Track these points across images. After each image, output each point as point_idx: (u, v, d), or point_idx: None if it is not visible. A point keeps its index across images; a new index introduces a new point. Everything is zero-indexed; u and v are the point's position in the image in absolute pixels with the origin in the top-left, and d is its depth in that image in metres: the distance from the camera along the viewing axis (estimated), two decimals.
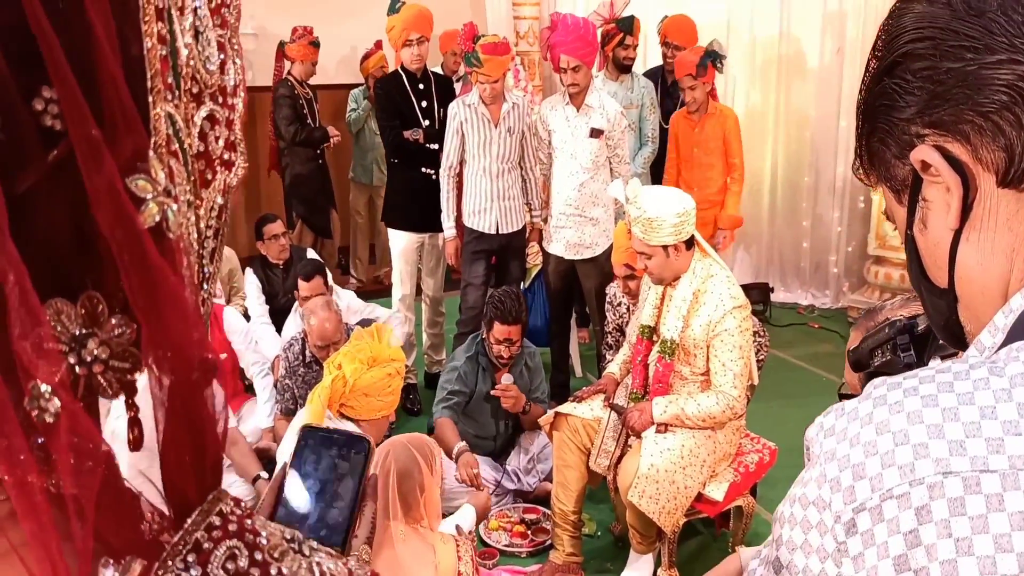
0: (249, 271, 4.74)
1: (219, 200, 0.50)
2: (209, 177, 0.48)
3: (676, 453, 2.81)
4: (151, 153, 0.41)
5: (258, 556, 0.46)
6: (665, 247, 2.84)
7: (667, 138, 4.99)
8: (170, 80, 0.44)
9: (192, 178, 0.46)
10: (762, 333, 3.50)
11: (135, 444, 0.45)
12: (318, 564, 0.50)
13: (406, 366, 4.54)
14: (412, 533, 2.15)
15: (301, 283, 4.06)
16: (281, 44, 5.86)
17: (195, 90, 0.46)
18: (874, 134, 0.68)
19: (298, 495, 0.76)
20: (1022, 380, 0.54)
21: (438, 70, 5.54)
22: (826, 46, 5.94)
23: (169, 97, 0.44)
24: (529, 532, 3.38)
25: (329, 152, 6.13)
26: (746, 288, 5.66)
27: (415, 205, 4.47)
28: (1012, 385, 0.54)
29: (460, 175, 4.33)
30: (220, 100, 0.48)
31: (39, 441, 0.39)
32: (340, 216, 6.50)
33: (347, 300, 4.30)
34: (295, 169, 5.78)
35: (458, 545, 2.16)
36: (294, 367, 3.79)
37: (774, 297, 6.05)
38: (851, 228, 6.00)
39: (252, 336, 4.33)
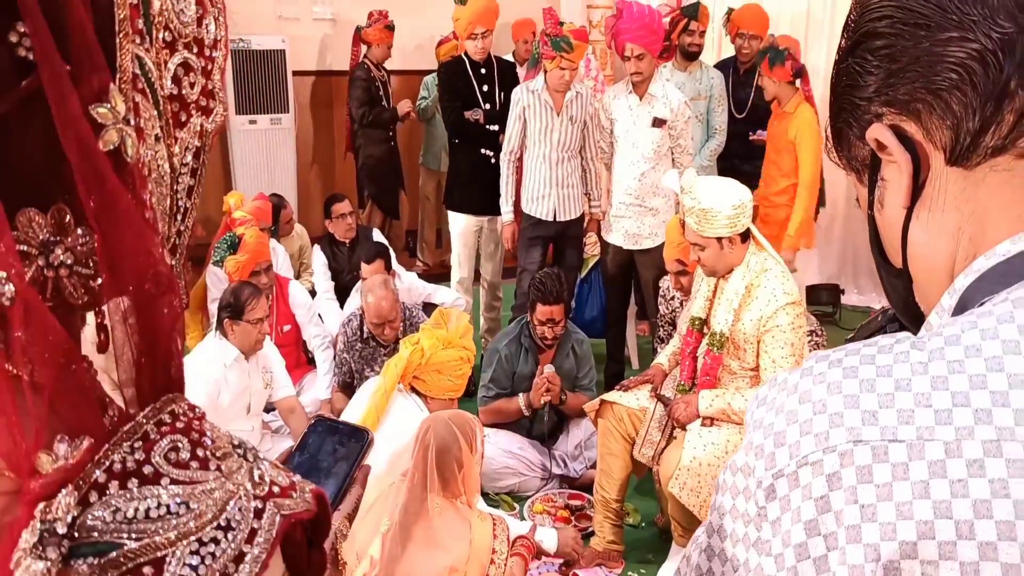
0: (317, 248, 4.89)
1: (195, 142, 0.54)
2: (183, 119, 0.53)
3: (720, 447, 2.79)
4: (113, 87, 0.46)
5: (200, 452, 0.51)
6: (719, 239, 2.81)
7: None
8: (141, 26, 0.48)
9: (165, 117, 0.51)
10: (819, 332, 3.44)
11: (101, 347, 0.50)
12: (259, 469, 0.55)
13: None
14: (449, 507, 2.20)
15: (363, 266, 4.17)
16: (358, 29, 6.00)
17: (168, 38, 0.51)
18: (839, 114, 0.68)
19: (297, 470, 0.85)
20: (940, 354, 0.55)
21: (509, 57, 5.58)
22: None
23: (139, 41, 0.48)
24: (572, 518, 3.40)
25: (401, 133, 6.24)
26: (816, 289, 5.59)
27: (475, 188, 4.53)
28: (930, 359, 0.55)
29: (520, 160, 4.36)
30: (196, 50, 0.53)
31: None
32: (410, 200, 6.62)
33: (409, 282, 4.38)
34: (367, 150, 5.92)
35: (495, 524, 2.20)
36: (351, 342, 3.88)
37: (845, 299, 5.89)
38: None
39: (315, 310, 4.46)
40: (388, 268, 4.21)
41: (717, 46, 5.98)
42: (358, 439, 0.87)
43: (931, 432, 0.52)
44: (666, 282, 3.83)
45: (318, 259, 4.84)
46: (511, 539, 2.28)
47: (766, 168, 4.64)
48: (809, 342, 3.10)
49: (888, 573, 0.51)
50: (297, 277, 5.14)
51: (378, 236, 4.98)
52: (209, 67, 0.54)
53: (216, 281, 4.50)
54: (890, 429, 0.53)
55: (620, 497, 3.10)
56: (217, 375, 3.27)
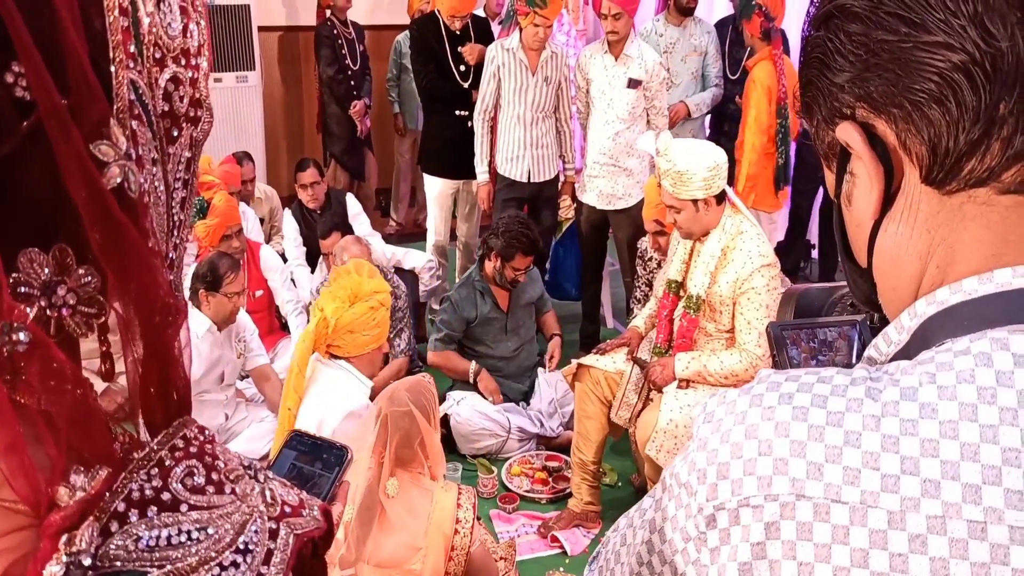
0: (287, 213, 4.82)
1: (186, 153, 0.54)
2: (175, 134, 0.52)
3: (696, 409, 2.82)
4: (112, 120, 0.45)
5: (214, 476, 0.52)
6: (695, 201, 2.82)
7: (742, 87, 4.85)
8: (132, 49, 0.47)
9: (158, 136, 0.50)
10: None
11: (106, 376, 0.51)
12: (270, 490, 0.56)
13: (435, 310, 4.64)
14: (411, 484, 2.17)
15: (322, 243, 4.14)
16: None
17: (158, 55, 0.50)
18: (807, 87, 0.62)
19: None
20: (894, 409, 0.52)
21: (481, 12, 5.48)
22: None
23: (132, 65, 0.47)
24: (550, 479, 3.45)
25: (374, 91, 6.13)
26: (786, 246, 5.63)
27: (450, 152, 4.48)
28: (883, 413, 0.52)
29: (495, 120, 4.32)
30: (183, 62, 0.52)
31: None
32: (384, 158, 6.53)
33: (375, 250, 4.33)
34: (330, 108, 5.81)
35: (460, 493, 2.20)
36: None
37: (814, 254, 5.96)
38: None
39: (288, 275, 4.42)
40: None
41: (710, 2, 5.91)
42: (337, 455, 0.87)
43: (875, 499, 0.50)
44: (644, 243, 3.84)
45: (289, 225, 4.77)
46: (476, 506, 2.26)
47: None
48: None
49: None
50: (267, 241, 5.08)
51: (351, 200, 4.91)
52: (195, 76, 0.54)
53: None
54: (834, 488, 0.51)
55: (597, 459, 3.14)
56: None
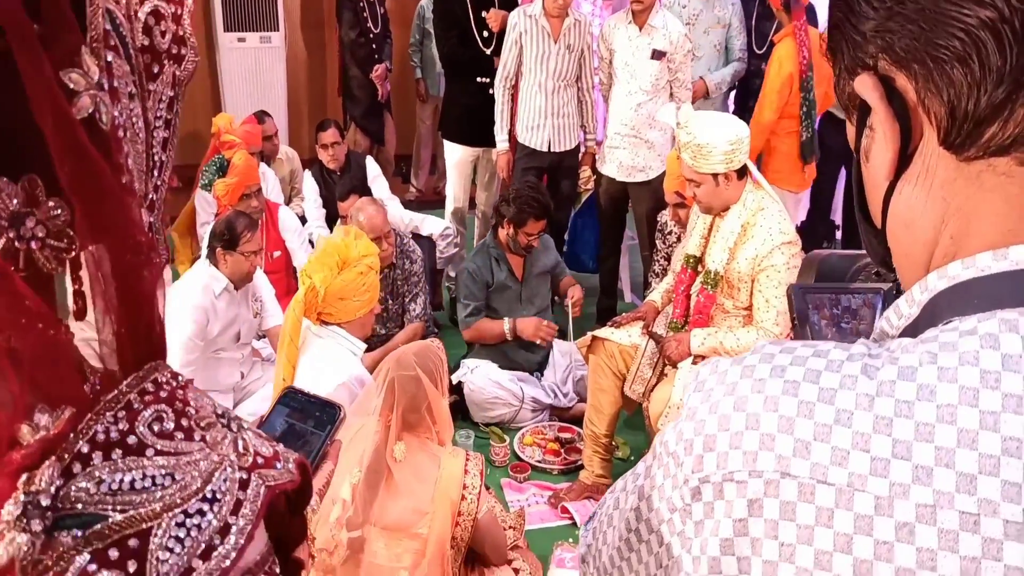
0: (308, 174, 4.82)
1: (168, 92, 0.52)
2: (156, 70, 0.51)
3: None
4: (85, 49, 0.42)
5: (184, 422, 0.50)
6: (715, 175, 2.77)
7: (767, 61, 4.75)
8: None
9: (136, 71, 0.48)
10: None
11: (79, 314, 0.50)
12: (243, 440, 0.54)
13: (452, 277, 4.62)
14: (419, 449, 2.16)
15: (340, 205, 4.13)
16: None
17: None
18: (833, 32, 0.58)
19: None
20: (890, 389, 0.49)
21: None
22: None
23: None
24: (562, 450, 3.44)
25: (396, 56, 6.08)
26: (811, 223, 5.56)
27: (471, 119, 4.44)
28: (878, 392, 0.49)
29: (516, 87, 4.27)
30: None
31: None
32: (403, 124, 6.49)
33: (392, 215, 4.31)
34: (352, 72, 5.77)
35: (467, 459, 2.19)
36: None
37: (840, 235, 5.89)
38: None
39: (306, 236, 4.42)
40: None
41: None
42: (329, 413, 0.86)
43: (863, 482, 0.48)
44: (664, 216, 3.79)
45: (310, 186, 4.77)
46: (484, 473, 2.25)
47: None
48: None
49: None
50: (288, 203, 5.08)
51: (371, 164, 4.89)
52: (179, 12, 0.52)
53: (205, 205, 4.44)
54: (821, 468, 0.49)
55: (609, 432, 3.12)
56: (206, 304, 3.25)
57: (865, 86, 0.55)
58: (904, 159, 0.55)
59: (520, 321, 3.65)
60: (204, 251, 3.50)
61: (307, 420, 0.86)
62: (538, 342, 3.67)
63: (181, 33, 0.51)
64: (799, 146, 4.28)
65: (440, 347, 2.31)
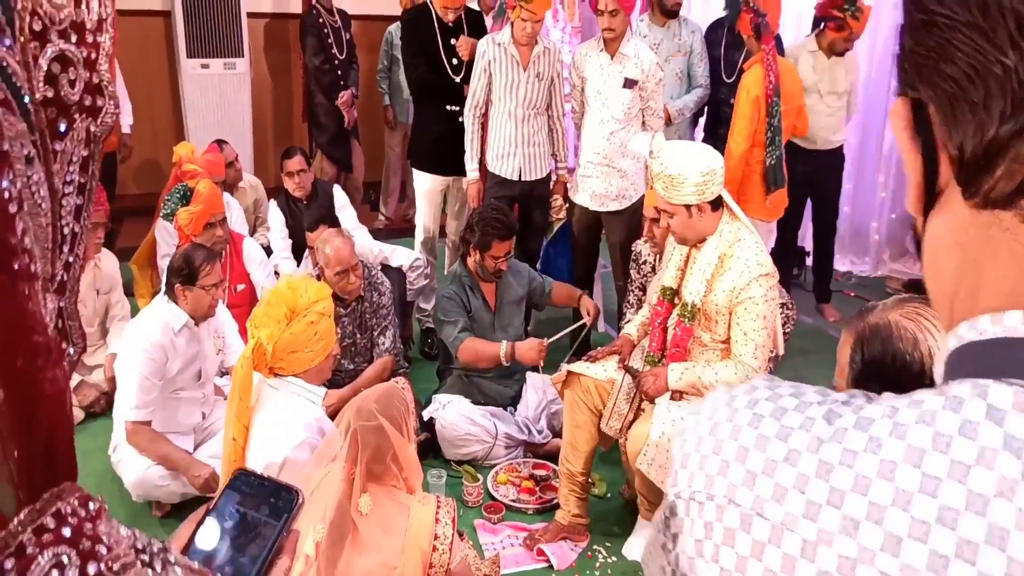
0: (273, 204, 4.71)
1: (82, 151, 0.43)
2: (63, 127, 0.42)
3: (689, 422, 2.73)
4: None
5: (91, 568, 0.41)
6: (688, 207, 2.71)
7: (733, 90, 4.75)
8: None
9: (37, 129, 0.39)
10: (790, 305, 3.39)
11: None
12: None
13: (423, 309, 4.52)
14: (386, 498, 2.05)
15: (308, 235, 4.03)
16: None
17: (38, 27, 0.39)
18: (899, 36, 0.54)
19: (210, 536, 0.74)
20: (840, 436, 0.49)
21: (475, 5, 5.36)
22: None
23: None
24: (537, 488, 3.34)
25: (363, 82, 6.00)
26: (779, 251, 5.55)
27: (441, 147, 4.36)
28: (830, 438, 0.49)
29: (486, 116, 4.20)
30: (75, 38, 0.42)
31: None
32: (371, 151, 6.40)
33: (360, 246, 4.20)
34: (317, 98, 5.69)
35: (439, 506, 2.09)
36: None
37: (809, 261, 5.88)
38: (897, 194, 5.78)
39: (271, 269, 4.30)
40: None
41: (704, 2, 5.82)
42: (286, 499, 0.76)
43: (795, 523, 0.48)
44: (639, 246, 3.74)
45: (274, 216, 4.65)
46: (456, 520, 2.14)
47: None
48: (781, 314, 3.04)
49: None
50: (252, 233, 4.96)
51: (339, 192, 4.79)
52: (94, 56, 0.43)
53: (166, 236, 4.31)
54: (760, 502, 0.50)
55: (586, 470, 3.03)
56: (165, 342, 3.12)
57: (895, 113, 0.54)
58: (931, 194, 0.53)
59: (519, 345, 3.48)
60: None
61: (260, 507, 0.77)
62: (539, 366, 3.54)
63: (97, 81, 0.43)
64: (762, 175, 4.27)
65: (406, 387, 2.20)
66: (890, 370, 1.28)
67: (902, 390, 1.29)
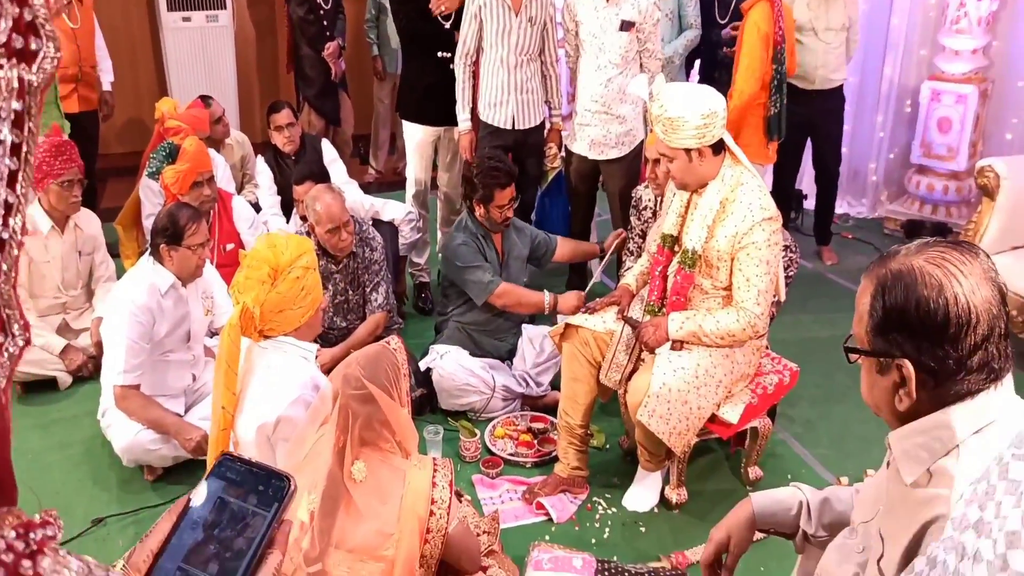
0: (260, 160, 4.60)
1: (14, 104, 0.34)
2: None
3: (690, 372, 2.67)
4: None
5: None
6: (688, 150, 2.62)
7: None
8: None
9: None
10: (794, 248, 3.30)
11: None
12: None
13: (418, 264, 4.44)
14: (381, 464, 1.97)
15: (295, 188, 3.91)
16: None
17: None
18: None
19: (192, 531, 0.67)
20: None
21: None
22: None
23: None
24: (535, 442, 3.29)
25: (350, 31, 5.83)
26: (776, 194, 5.45)
27: (431, 97, 4.22)
28: None
29: (477, 64, 4.07)
30: None
31: None
32: (360, 103, 6.25)
33: (351, 200, 4.08)
34: (303, 50, 5.52)
35: (435, 470, 2.02)
36: None
37: (807, 204, 5.79)
38: (895, 134, 5.66)
39: (260, 226, 4.21)
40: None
41: None
42: (276, 487, 0.68)
43: None
44: (639, 192, 3.64)
45: (262, 172, 4.54)
46: (453, 483, 2.07)
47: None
48: (784, 258, 2.96)
49: None
50: (239, 190, 4.85)
51: (327, 146, 4.67)
52: None
53: (151, 195, 4.21)
54: None
55: (585, 423, 2.98)
56: (151, 304, 3.03)
57: None
58: None
59: (561, 297, 3.42)
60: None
61: (248, 496, 0.69)
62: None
63: (30, 18, 0.34)
64: (764, 120, 4.16)
65: (398, 347, 2.10)
66: (913, 318, 1.20)
67: (925, 341, 1.23)
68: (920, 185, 5.45)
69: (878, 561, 1.31)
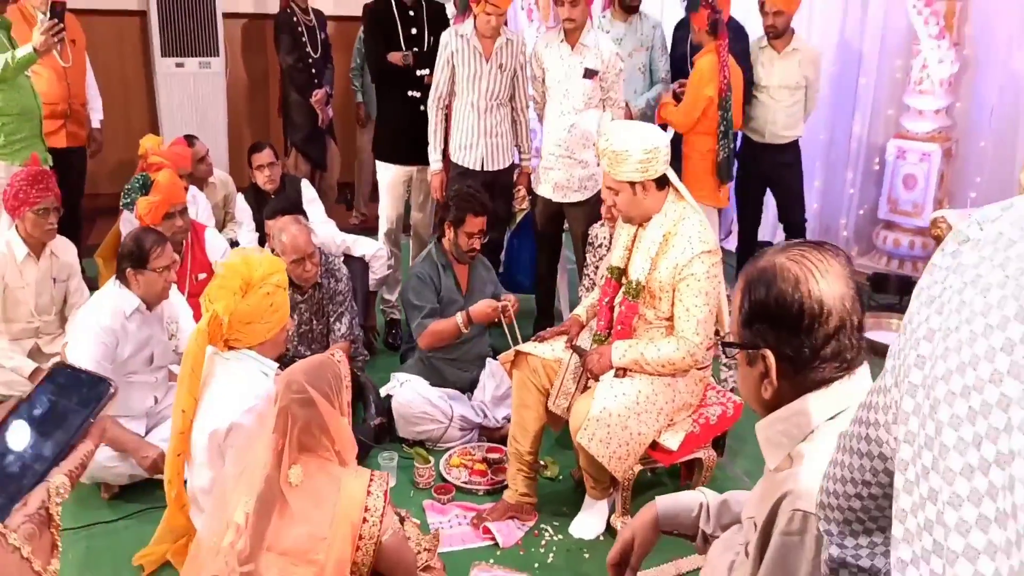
0: (240, 197, 4.72)
1: None
2: None
3: (631, 398, 2.74)
4: None
5: None
6: (632, 184, 2.74)
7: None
8: None
9: None
10: None
11: None
12: None
13: (388, 301, 4.53)
14: (318, 471, 2.03)
15: (266, 223, 4.03)
16: None
17: None
18: None
19: (18, 425, 0.78)
20: None
21: None
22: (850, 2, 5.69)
23: None
24: (489, 471, 3.34)
25: (337, 82, 6.03)
26: (742, 245, 5.57)
27: (403, 137, 4.38)
28: None
29: (449, 107, 4.23)
30: None
31: None
32: (347, 150, 6.42)
33: (323, 236, 4.19)
34: (292, 97, 5.72)
35: (371, 480, 2.08)
36: None
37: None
38: (864, 190, 5.81)
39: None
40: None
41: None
42: (96, 390, 0.80)
43: None
44: (595, 229, 3.76)
45: (243, 210, 4.68)
46: (388, 494, 2.13)
47: None
48: (728, 291, 3.06)
49: None
50: (221, 229, 4.97)
51: (307, 187, 4.81)
52: None
53: (128, 226, 4.31)
54: None
55: (534, 449, 3.04)
56: (115, 326, 3.12)
57: None
58: None
59: (473, 310, 3.48)
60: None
61: (72, 397, 0.80)
62: (500, 319, 3.47)
63: None
64: (714, 165, 4.33)
65: (342, 360, 2.19)
66: (772, 310, 1.29)
67: (783, 331, 1.32)
68: (887, 240, 5.57)
69: (746, 547, 1.38)
